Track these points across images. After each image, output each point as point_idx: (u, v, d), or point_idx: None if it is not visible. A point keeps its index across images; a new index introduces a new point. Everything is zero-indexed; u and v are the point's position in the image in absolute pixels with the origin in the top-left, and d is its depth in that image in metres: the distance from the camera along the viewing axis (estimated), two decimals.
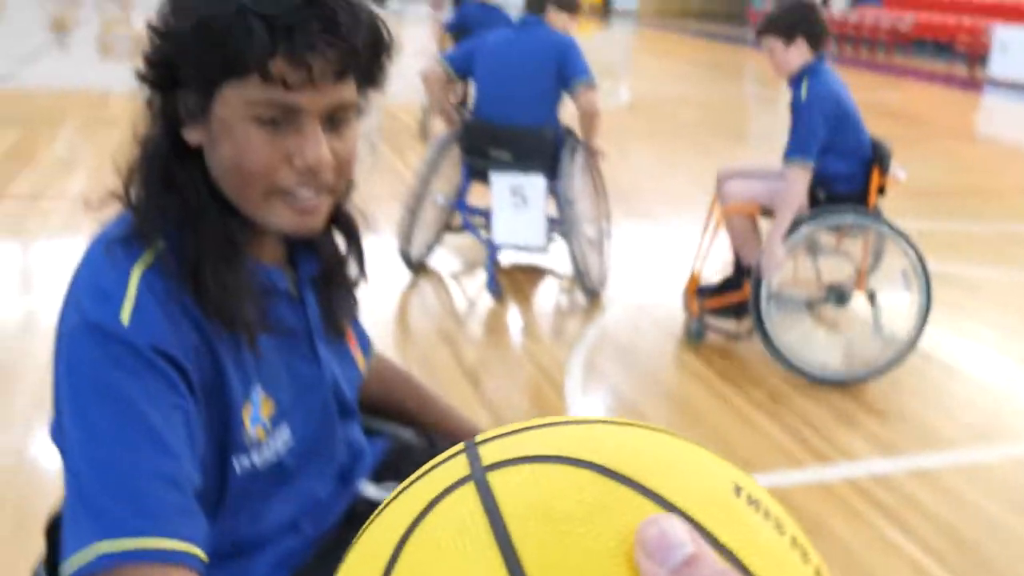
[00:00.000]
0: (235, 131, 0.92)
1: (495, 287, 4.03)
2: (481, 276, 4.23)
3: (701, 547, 0.36)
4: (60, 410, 0.90)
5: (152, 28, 0.91)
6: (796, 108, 3.18)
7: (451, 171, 4.19)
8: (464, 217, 4.18)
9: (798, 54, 3.20)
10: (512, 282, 4.27)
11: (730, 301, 3.55)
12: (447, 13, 14.67)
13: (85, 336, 0.89)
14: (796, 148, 3.13)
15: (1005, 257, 4.95)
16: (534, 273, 4.44)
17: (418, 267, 4.26)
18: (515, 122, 3.83)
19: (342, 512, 1.19)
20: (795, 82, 3.22)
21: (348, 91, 0.94)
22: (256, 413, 1.00)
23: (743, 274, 3.49)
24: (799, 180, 3.11)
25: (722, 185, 3.51)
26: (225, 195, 0.98)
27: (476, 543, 0.39)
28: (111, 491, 0.83)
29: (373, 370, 1.35)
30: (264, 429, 1.01)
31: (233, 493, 1.00)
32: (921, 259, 3.22)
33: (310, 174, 0.95)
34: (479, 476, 0.42)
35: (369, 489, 1.24)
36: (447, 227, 4.36)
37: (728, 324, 3.64)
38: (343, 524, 1.18)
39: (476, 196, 4.14)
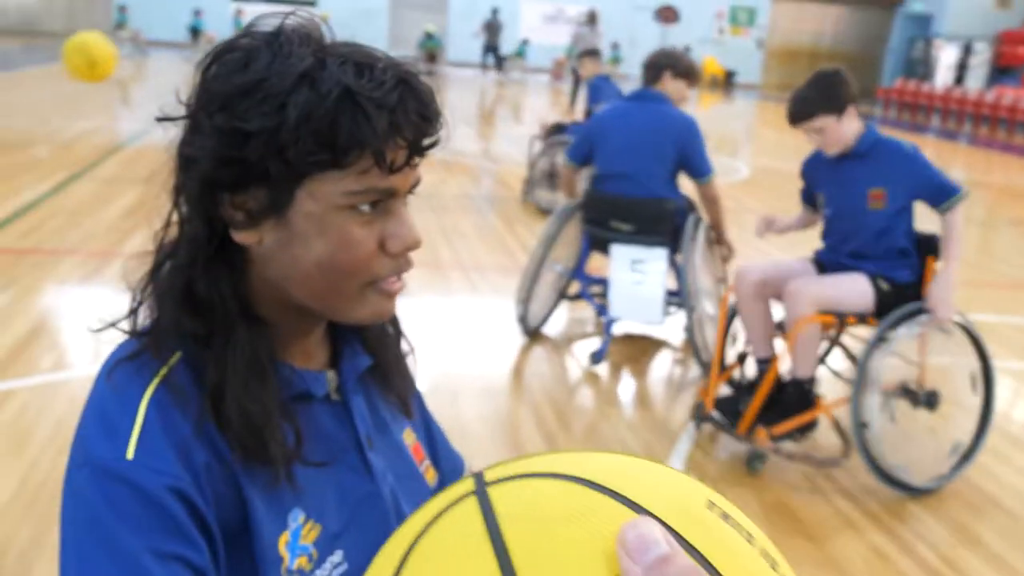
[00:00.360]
0: (329, 224, 0.83)
1: (600, 356, 3.94)
2: (595, 344, 4.09)
3: (674, 547, 0.43)
4: (62, 551, 0.80)
5: (229, 127, 0.81)
6: (908, 158, 3.00)
7: (571, 240, 4.19)
8: (582, 286, 4.23)
9: (851, 122, 3.02)
10: (626, 351, 4.15)
11: (802, 422, 3.04)
12: (570, 83, 14.78)
13: (87, 476, 0.80)
14: (950, 186, 2.95)
15: None
16: (649, 343, 4.33)
17: (534, 333, 4.23)
18: (636, 194, 3.86)
19: None
20: (864, 148, 3.02)
21: (418, 171, 0.88)
22: (295, 542, 0.88)
23: (803, 388, 3.05)
24: (962, 215, 2.95)
25: (783, 286, 3.05)
26: (262, 301, 0.89)
27: (472, 539, 0.47)
28: None
29: None
30: (308, 558, 0.88)
31: None
32: (988, 363, 2.98)
33: (405, 257, 0.88)
34: (480, 490, 0.51)
35: None
36: (564, 295, 4.35)
37: (789, 446, 3.11)
38: None
39: (595, 266, 4.09)
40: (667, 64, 4.02)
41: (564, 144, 6.91)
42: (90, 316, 4.26)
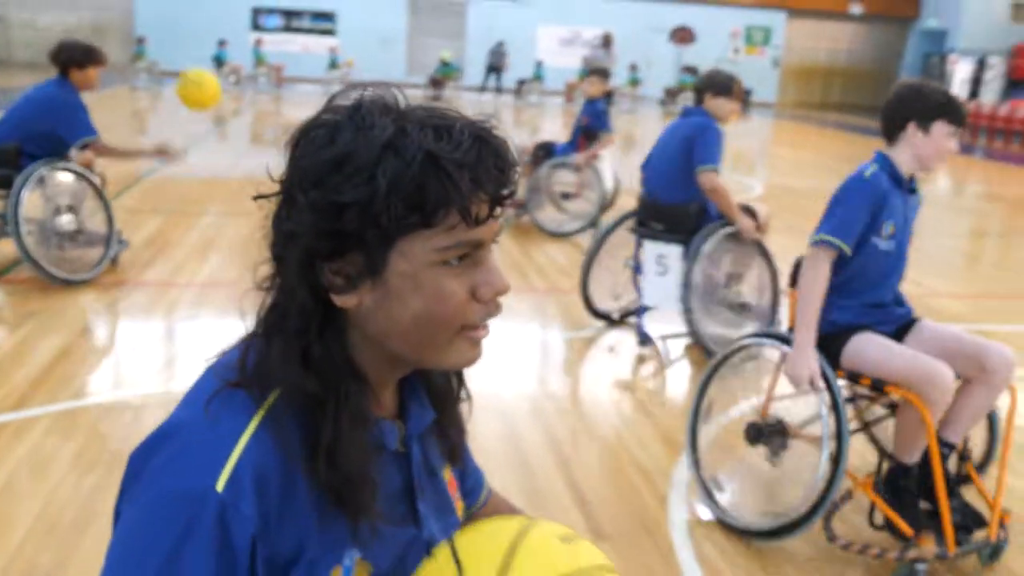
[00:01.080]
0: (423, 280, 0.89)
1: (644, 338, 4.51)
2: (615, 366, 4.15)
3: None
4: (113, 548, 0.86)
5: (324, 202, 0.87)
6: None
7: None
8: (634, 276, 4.72)
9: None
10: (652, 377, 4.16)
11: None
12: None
13: (171, 501, 0.85)
14: None
15: None
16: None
17: (607, 318, 4.87)
18: (661, 197, 4.43)
19: None
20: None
21: (500, 220, 0.94)
22: None
23: (911, 476, 2.62)
24: None
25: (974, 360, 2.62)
26: (361, 358, 0.95)
27: None
28: None
29: (487, 506, 1.27)
30: None
31: None
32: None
33: (495, 303, 0.94)
34: None
35: None
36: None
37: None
38: None
39: None
40: (707, 86, 4.49)
41: (568, 165, 7.00)
42: (111, 342, 4.38)
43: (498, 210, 0.91)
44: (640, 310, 4.55)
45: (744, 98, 4.50)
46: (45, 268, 4.81)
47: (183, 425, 0.90)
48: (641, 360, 4.46)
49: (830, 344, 2.67)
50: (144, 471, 0.88)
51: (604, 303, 4.86)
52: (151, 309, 4.75)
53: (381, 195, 0.85)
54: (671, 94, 23.36)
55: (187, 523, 0.83)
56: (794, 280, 2.81)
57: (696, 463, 2.92)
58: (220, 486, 0.84)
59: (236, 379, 0.91)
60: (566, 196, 7.24)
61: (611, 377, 4.24)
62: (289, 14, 25.97)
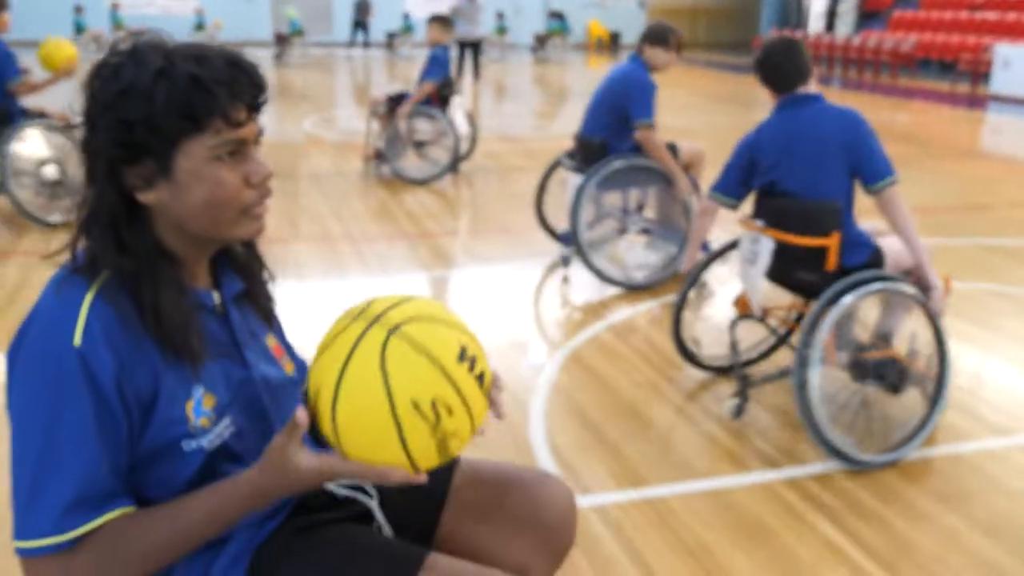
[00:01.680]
0: (204, 174, 1.16)
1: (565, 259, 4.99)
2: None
3: None
4: (12, 433, 1.12)
5: (117, 120, 1.12)
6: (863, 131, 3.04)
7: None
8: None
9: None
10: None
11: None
12: (456, 55, 14.90)
13: (36, 360, 1.11)
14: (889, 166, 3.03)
15: (976, 268, 5.06)
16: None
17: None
18: (583, 133, 4.87)
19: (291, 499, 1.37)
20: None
21: (259, 122, 1.22)
22: (199, 407, 1.22)
23: None
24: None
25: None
26: (169, 241, 1.21)
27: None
28: (31, 497, 1.10)
29: None
30: (208, 418, 1.23)
31: (191, 472, 1.22)
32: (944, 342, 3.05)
33: (264, 186, 1.22)
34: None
35: None
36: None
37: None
38: (294, 511, 1.37)
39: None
40: (645, 36, 4.78)
41: (424, 114, 7.10)
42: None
43: (254, 114, 1.20)
44: (562, 236, 5.06)
45: (680, 50, 4.72)
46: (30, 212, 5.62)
47: (37, 309, 1.15)
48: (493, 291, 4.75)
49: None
50: (16, 355, 1.13)
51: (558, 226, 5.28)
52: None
53: (159, 110, 1.12)
54: (540, 40, 23.62)
55: (57, 376, 1.09)
56: None
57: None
58: (77, 340, 1.10)
59: (70, 267, 1.17)
60: (421, 144, 7.39)
61: (480, 307, 4.52)
62: None
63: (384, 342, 1.11)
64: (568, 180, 4.95)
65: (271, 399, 1.34)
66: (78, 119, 1.17)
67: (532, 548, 1.43)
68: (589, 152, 4.74)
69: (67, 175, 5.79)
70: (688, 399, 3.42)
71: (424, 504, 1.44)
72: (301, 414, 1.11)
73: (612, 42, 27.15)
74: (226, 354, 1.28)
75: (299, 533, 1.30)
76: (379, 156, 7.43)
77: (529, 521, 1.44)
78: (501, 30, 23.40)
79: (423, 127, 7.32)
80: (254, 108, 1.19)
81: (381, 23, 24.15)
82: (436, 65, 7.10)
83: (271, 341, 1.41)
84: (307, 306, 4.32)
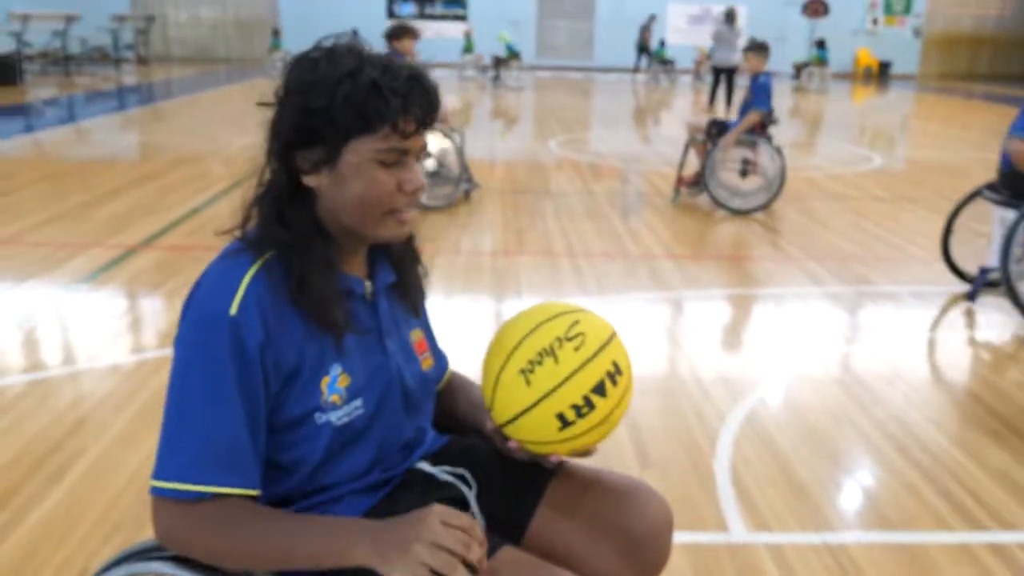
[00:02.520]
0: (364, 171, 1.27)
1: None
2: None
3: None
4: (169, 385, 1.26)
5: (300, 106, 1.25)
6: None
7: None
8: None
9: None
10: None
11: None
12: (710, 81, 14.59)
13: (196, 324, 1.25)
14: None
15: None
16: None
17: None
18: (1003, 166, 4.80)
19: (399, 476, 1.47)
20: None
21: (425, 138, 1.31)
22: (333, 384, 1.33)
23: None
24: None
25: None
26: (328, 225, 1.32)
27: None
28: (185, 444, 1.23)
29: (450, 383, 1.67)
30: (340, 396, 1.33)
31: (318, 444, 1.32)
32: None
33: (414, 196, 1.32)
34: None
35: (423, 464, 1.50)
36: None
37: None
38: (397, 487, 1.46)
39: None
40: None
41: (748, 142, 7.04)
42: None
43: (422, 129, 1.28)
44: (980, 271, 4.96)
45: None
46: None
47: (205, 276, 1.29)
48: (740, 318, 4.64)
49: None
50: (184, 314, 1.28)
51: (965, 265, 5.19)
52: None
53: (337, 105, 1.23)
54: (797, 69, 22.74)
55: (211, 340, 1.22)
56: None
57: None
58: (233, 310, 1.23)
59: (240, 243, 1.31)
60: (744, 173, 7.22)
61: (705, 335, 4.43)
62: (423, 1, 26.71)
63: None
64: (994, 214, 4.83)
65: (402, 391, 1.42)
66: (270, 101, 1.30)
67: (618, 558, 1.41)
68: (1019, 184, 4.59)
69: (443, 167, 7.08)
70: (893, 444, 3.19)
71: (520, 500, 1.47)
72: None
73: (881, 72, 25.75)
74: (368, 339, 1.38)
75: (394, 508, 1.37)
76: (694, 182, 7.35)
77: (618, 529, 1.42)
78: None
79: (743, 155, 7.17)
80: (424, 124, 1.28)
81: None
82: (763, 93, 7.01)
83: (415, 335, 1.50)
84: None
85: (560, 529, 1.44)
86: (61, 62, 19.98)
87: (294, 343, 1.27)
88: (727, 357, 4.12)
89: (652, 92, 20.19)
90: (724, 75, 15.13)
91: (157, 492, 1.22)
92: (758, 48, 7.19)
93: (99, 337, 4.09)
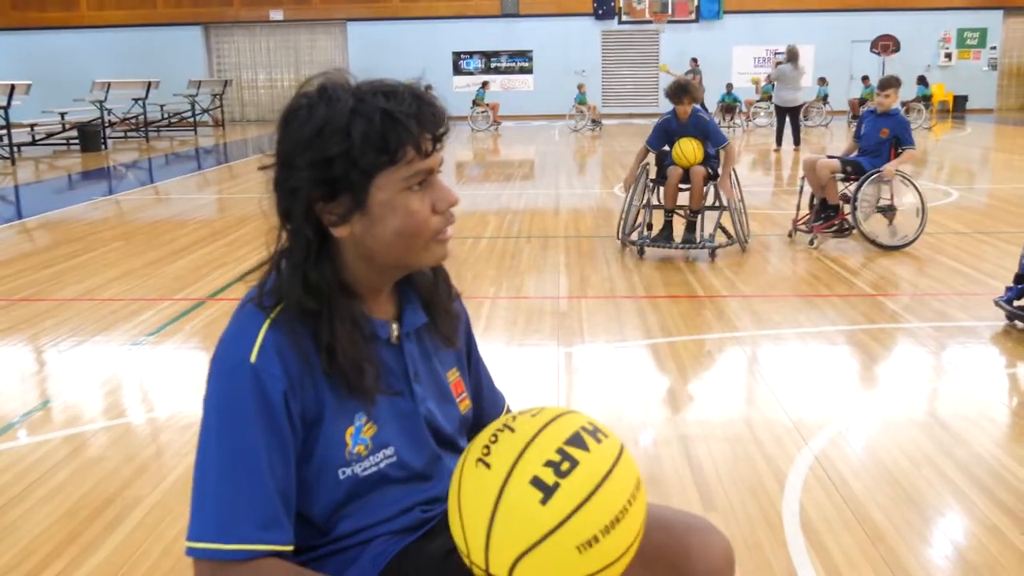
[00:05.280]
0: (397, 204, 1.21)
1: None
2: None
3: None
4: (200, 433, 1.22)
5: (316, 159, 1.18)
6: None
7: None
8: None
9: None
10: None
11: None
12: (775, 120, 14.33)
13: (219, 375, 1.21)
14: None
15: None
16: None
17: None
18: None
19: (440, 516, 1.38)
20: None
21: (442, 152, 1.27)
22: (358, 434, 1.27)
23: None
24: None
25: None
26: (354, 273, 1.26)
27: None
28: (216, 502, 1.18)
29: None
30: (364, 446, 1.27)
31: (344, 495, 1.27)
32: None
33: (449, 213, 1.26)
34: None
35: None
36: None
37: None
38: (435, 526, 1.38)
39: None
40: None
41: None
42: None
43: (439, 144, 1.23)
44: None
45: None
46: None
47: (227, 330, 1.25)
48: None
49: None
50: (210, 369, 1.23)
51: None
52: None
53: (357, 146, 1.17)
54: (853, 106, 22.14)
55: (233, 387, 1.18)
56: None
57: None
58: (253, 358, 1.18)
59: (258, 293, 1.25)
60: (888, 209, 7.10)
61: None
62: (488, 55, 27.09)
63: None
64: None
65: (435, 434, 1.36)
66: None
67: None
68: None
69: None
70: (977, 486, 3.00)
71: None
72: None
73: (956, 106, 25.12)
74: (396, 385, 1.31)
75: (426, 547, 1.30)
76: (843, 228, 7.16)
77: (676, 567, 1.33)
78: (823, 97, 22.15)
79: (880, 193, 7.04)
80: (438, 139, 1.23)
81: (708, 94, 24.04)
82: (909, 129, 6.93)
83: (452, 375, 1.42)
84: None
85: None
86: (141, 127, 20.72)
87: (317, 394, 1.23)
88: (797, 398, 3.96)
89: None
90: (788, 113, 14.95)
91: (191, 553, 1.18)
92: (896, 83, 7.04)
93: (161, 388, 4.13)
